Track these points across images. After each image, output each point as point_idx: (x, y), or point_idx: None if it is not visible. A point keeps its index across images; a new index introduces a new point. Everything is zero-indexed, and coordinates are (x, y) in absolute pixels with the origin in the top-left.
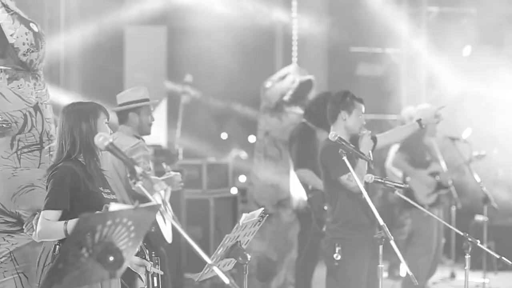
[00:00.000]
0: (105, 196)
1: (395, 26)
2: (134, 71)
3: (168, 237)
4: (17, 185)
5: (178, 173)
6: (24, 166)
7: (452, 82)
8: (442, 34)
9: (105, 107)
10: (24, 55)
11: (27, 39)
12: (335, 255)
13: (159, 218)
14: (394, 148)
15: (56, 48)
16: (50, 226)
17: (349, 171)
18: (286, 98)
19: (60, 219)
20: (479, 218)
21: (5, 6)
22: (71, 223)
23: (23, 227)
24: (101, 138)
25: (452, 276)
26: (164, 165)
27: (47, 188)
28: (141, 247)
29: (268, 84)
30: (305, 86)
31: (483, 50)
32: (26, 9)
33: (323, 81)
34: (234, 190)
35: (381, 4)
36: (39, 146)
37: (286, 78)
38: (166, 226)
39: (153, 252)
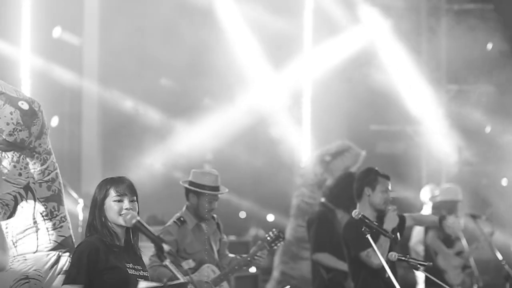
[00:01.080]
0: (130, 272)
1: (415, 104)
2: None
3: None
4: (12, 278)
5: None
6: (21, 253)
7: (472, 159)
8: (462, 111)
9: (121, 183)
10: (11, 135)
11: (11, 119)
12: None
13: None
14: (418, 228)
15: None
16: None
17: (369, 247)
18: (354, 169)
19: None
20: None
21: None
22: None
23: None
24: (129, 216)
25: None
26: None
27: None
28: None
29: (327, 158)
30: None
31: (504, 127)
32: None
33: None
34: (253, 269)
35: (400, 83)
36: (34, 228)
37: (349, 152)
38: None
39: None
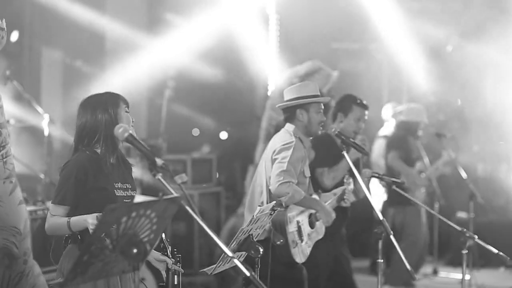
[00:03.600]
0: (118, 194)
1: (377, 22)
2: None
3: (300, 258)
4: None
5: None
6: None
7: (433, 78)
8: (424, 30)
9: (122, 96)
10: None
11: None
12: None
13: (293, 237)
14: (380, 141)
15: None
16: (55, 222)
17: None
18: (324, 90)
19: (68, 214)
20: (461, 214)
21: None
22: (74, 220)
23: None
24: (121, 130)
25: (435, 272)
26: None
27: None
28: (164, 243)
29: (295, 80)
30: (334, 80)
31: (465, 46)
32: None
33: None
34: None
35: (362, 0)
36: None
37: (319, 73)
38: (302, 245)
39: (175, 250)
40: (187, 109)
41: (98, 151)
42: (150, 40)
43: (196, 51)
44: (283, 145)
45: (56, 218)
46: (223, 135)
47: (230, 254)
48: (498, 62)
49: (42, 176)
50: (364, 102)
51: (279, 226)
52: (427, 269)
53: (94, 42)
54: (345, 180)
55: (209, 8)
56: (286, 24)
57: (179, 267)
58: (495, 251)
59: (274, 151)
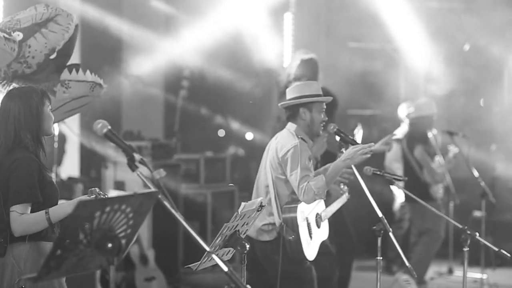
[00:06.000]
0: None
1: (394, 21)
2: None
3: (310, 255)
4: None
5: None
6: None
7: (450, 78)
8: (442, 30)
9: (46, 92)
10: None
11: None
12: None
13: (304, 233)
14: (395, 146)
15: None
16: (28, 219)
17: None
18: (291, 77)
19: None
20: (477, 213)
21: None
22: (53, 211)
23: None
24: (100, 125)
25: (450, 271)
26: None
27: (7, 180)
28: None
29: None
30: (307, 64)
31: (483, 45)
32: None
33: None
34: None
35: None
36: None
37: (293, 59)
38: (311, 243)
39: None
40: (203, 109)
41: (30, 147)
42: (165, 40)
43: (210, 51)
44: (287, 152)
45: (26, 215)
46: (249, 136)
47: (208, 249)
48: None
49: None
50: None
51: (291, 223)
52: (442, 268)
53: (111, 43)
54: (344, 190)
55: (223, 7)
56: (301, 22)
57: None
58: (496, 249)
59: (282, 155)
